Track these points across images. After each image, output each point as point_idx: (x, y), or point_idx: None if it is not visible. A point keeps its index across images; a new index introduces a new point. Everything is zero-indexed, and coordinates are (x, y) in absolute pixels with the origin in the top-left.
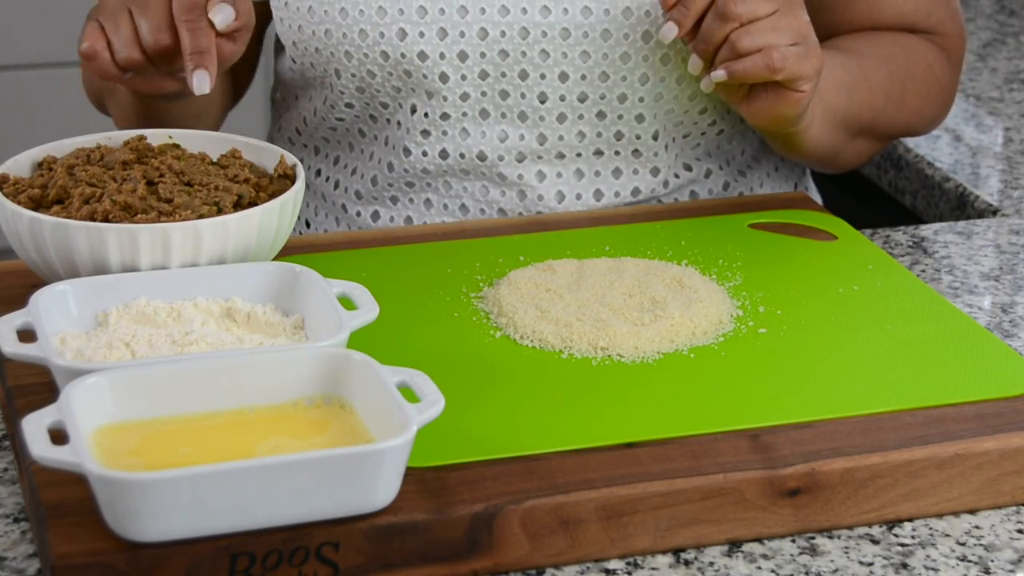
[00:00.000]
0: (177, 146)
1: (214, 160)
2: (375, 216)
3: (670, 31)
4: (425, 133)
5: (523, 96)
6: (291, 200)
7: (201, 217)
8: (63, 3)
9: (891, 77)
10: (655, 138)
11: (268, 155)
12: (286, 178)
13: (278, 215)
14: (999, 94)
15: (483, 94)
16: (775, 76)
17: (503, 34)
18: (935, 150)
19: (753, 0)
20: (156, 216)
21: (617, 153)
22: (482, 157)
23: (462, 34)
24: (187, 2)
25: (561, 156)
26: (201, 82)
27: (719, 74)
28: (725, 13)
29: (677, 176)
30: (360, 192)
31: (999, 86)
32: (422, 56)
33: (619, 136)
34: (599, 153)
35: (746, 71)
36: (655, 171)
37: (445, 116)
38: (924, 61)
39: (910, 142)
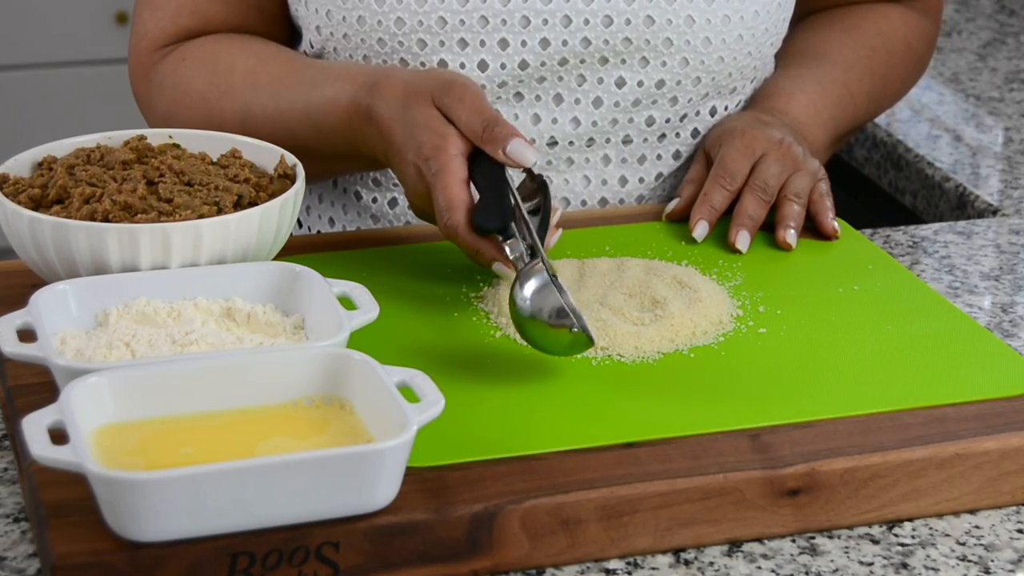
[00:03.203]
0: (177, 146)
1: (214, 160)
2: (392, 203)
3: (704, 230)
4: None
5: (560, 79)
6: (291, 200)
7: (201, 217)
8: (63, 3)
9: (872, 76)
10: (682, 119)
11: (268, 155)
12: (286, 178)
13: (278, 215)
14: (999, 94)
15: (520, 81)
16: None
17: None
18: (935, 150)
19: (773, 169)
20: (156, 216)
21: (645, 140)
22: None
23: (482, 43)
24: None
25: (591, 142)
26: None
27: (792, 235)
28: (766, 190)
29: (656, 180)
30: (378, 178)
31: (999, 86)
32: (442, 64)
33: (650, 121)
34: (628, 141)
35: (799, 218)
36: (677, 155)
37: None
38: (903, 42)
39: (910, 142)
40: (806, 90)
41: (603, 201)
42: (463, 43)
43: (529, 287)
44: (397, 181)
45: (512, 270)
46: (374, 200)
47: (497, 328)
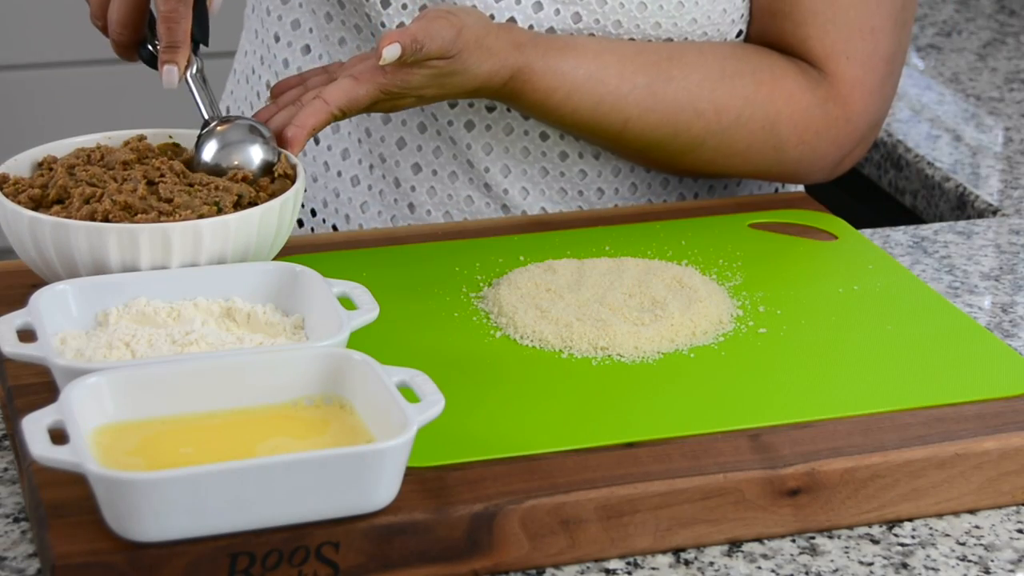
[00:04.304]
0: (177, 146)
1: None
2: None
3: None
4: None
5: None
6: (291, 200)
7: (201, 217)
8: (63, 3)
9: (676, 121)
10: None
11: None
12: (286, 178)
13: (278, 215)
14: (999, 94)
15: None
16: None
17: None
18: (935, 150)
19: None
20: (156, 216)
21: (580, 156)
22: (454, 141)
23: None
24: None
25: (526, 152)
26: (170, 76)
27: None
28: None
29: (647, 171)
30: (384, 189)
31: (999, 86)
32: (384, 3)
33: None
34: (564, 155)
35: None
36: (616, 170)
37: None
38: (765, 117)
39: (910, 142)
40: (589, 60)
41: (562, 191)
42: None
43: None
44: (402, 192)
45: (179, 80)
46: (359, 209)
47: (497, 328)
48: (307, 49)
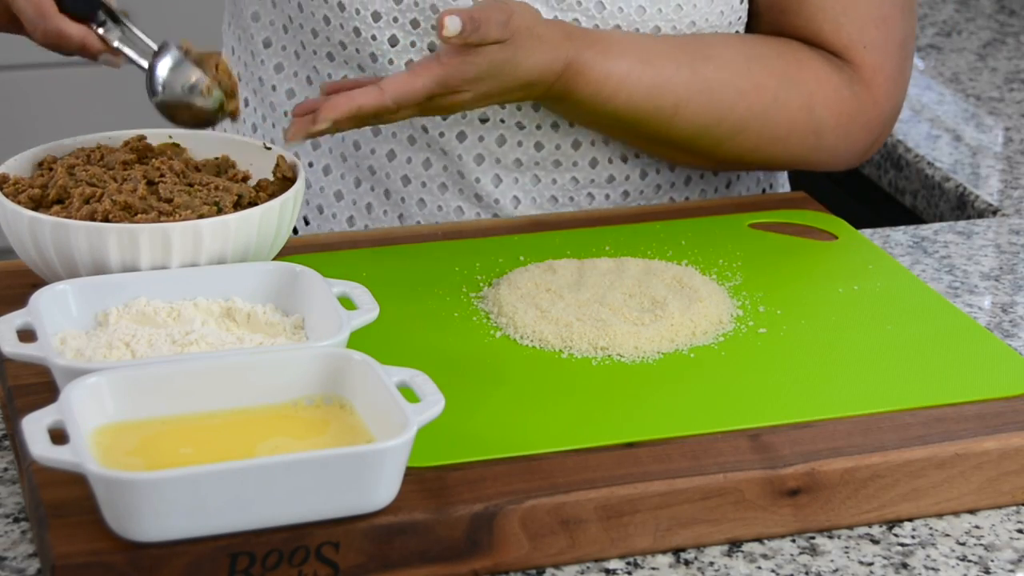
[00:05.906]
0: (177, 145)
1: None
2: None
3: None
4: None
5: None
6: (291, 200)
7: (201, 217)
8: None
9: (720, 110)
10: (606, 143)
11: (268, 155)
12: (286, 179)
13: (278, 215)
14: (999, 94)
15: None
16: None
17: None
18: (935, 150)
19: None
20: (156, 216)
21: (575, 164)
22: (445, 150)
23: (413, 44)
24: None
25: (519, 163)
26: (107, 60)
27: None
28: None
29: (641, 178)
30: (388, 190)
31: (999, 86)
32: (378, 45)
33: (576, 145)
34: (557, 163)
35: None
36: (609, 178)
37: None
38: (802, 99)
39: (910, 142)
40: (634, 56)
41: (552, 199)
42: (392, 40)
43: (163, 68)
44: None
45: (118, 58)
46: (345, 224)
47: (497, 328)
48: (291, 86)
